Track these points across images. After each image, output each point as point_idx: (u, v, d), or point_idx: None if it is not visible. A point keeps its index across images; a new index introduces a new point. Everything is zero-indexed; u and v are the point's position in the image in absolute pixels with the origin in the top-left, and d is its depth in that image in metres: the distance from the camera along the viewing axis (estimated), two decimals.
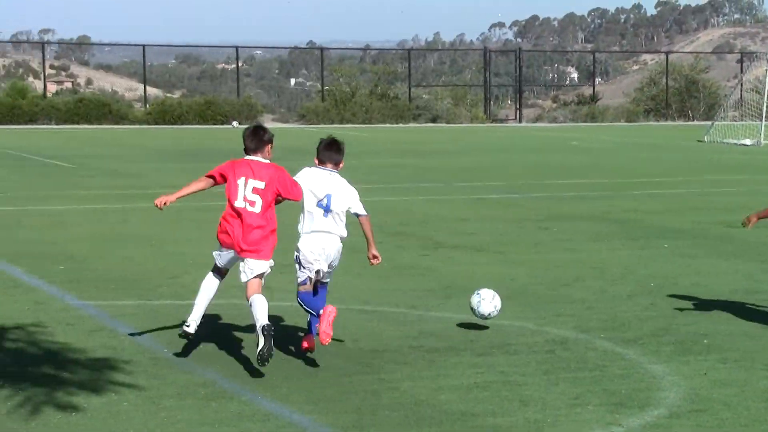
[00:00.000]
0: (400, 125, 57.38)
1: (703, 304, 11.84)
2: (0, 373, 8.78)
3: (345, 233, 9.66)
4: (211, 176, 9.43)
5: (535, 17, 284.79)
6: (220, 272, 9.51)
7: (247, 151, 9.42)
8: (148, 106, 58.71)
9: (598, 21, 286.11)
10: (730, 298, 12.21)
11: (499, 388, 8.58)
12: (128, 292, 12.31)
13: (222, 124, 54.95)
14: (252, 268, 9.17)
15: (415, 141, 42.99)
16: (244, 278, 9.21)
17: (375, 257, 9.77)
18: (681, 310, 11.58)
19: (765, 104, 41.96)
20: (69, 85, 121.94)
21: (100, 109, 54.46)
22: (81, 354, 9.47)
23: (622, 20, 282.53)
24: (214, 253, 9.47)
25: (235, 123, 54.86)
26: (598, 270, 13.97)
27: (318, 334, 9.18)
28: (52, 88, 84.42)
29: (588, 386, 8.68)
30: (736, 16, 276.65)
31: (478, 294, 10.54)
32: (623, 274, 13.71)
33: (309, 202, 9.53)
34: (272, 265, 9.32)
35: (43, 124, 52.61)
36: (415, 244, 16.06)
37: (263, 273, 9.25)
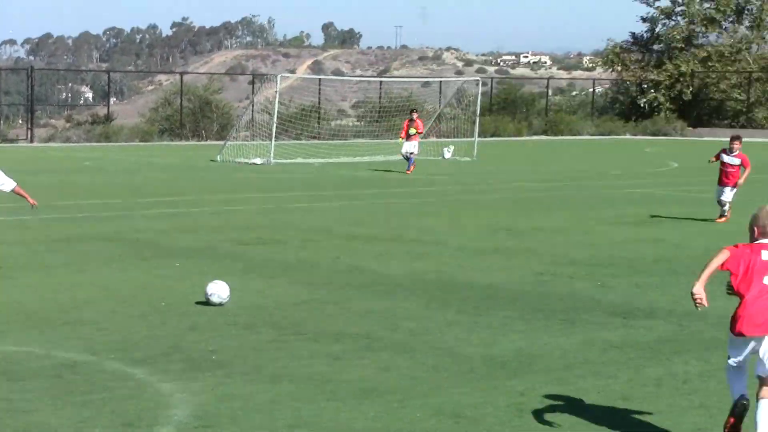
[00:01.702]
0: None
1: (210, 322, 12.07)
2: None
3: None
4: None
5: (48, 35, 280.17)
6: None
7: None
8: None
9: (114, 40, 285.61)
10: (243, 313, 12.52)
11: (2, 417, 8.34)
12: None
13: None
14: None
15: None
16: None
17: None
18: (191, 328, 11.75)
19: (274, 125, 43.38)
20: None
21: None
22: None
23: (138, 40, 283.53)
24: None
25: None
26: (109, 291, 13.89)
27: None
28: None
29: (96, 409, 8.61)
30: (249, 39, 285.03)
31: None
32: (135, 294, 13.71)
33: None
34: None
35: None
36: None
37: None
